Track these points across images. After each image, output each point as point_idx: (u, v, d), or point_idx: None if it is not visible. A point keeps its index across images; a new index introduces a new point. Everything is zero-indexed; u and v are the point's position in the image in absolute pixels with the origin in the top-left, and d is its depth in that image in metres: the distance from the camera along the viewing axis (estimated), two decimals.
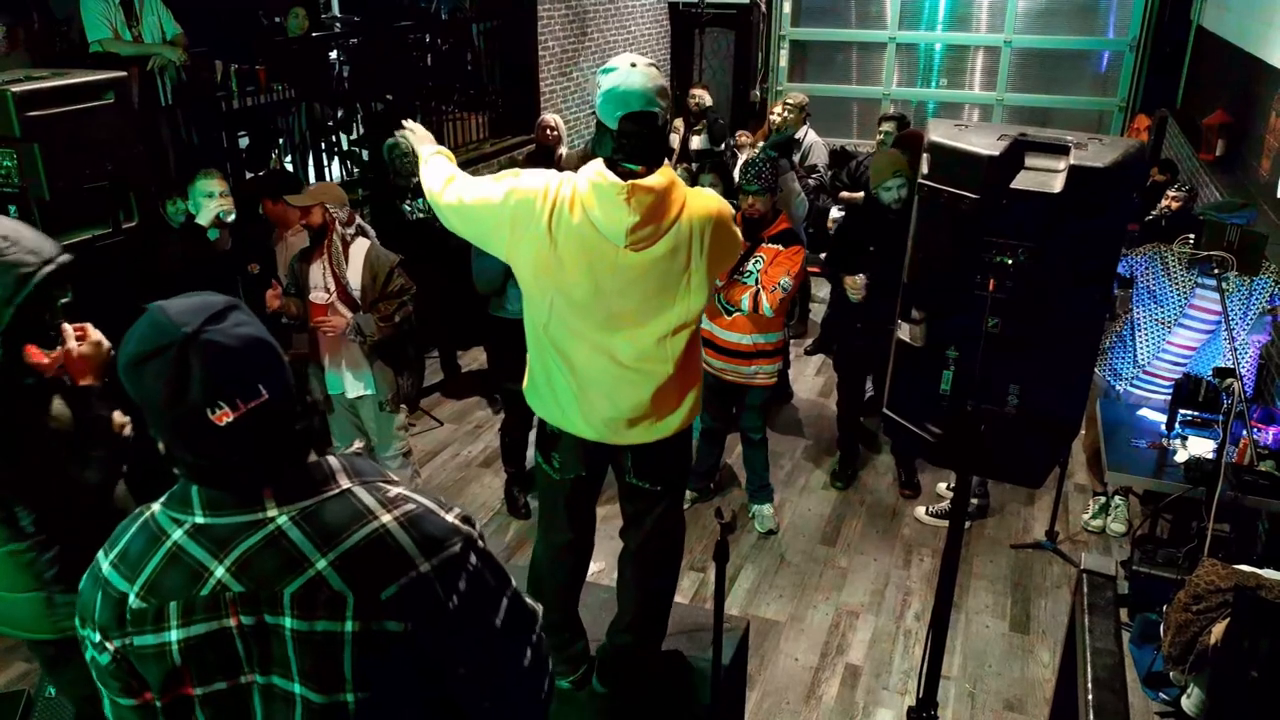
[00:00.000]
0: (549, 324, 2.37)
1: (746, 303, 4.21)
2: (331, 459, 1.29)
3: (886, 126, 6.26)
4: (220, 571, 1.21)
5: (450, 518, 1.30)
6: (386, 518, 1.23)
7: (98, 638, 1.26)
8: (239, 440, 1.18)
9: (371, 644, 1.21)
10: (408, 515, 1.25)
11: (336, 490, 1.25)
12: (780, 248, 4.27)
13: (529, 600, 1.42)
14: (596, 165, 2.26)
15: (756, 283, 4.23)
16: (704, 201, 2.33)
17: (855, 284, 4.47)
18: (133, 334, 1.20)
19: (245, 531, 1.21)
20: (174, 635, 1.22)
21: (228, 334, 1.19)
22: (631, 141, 2.21)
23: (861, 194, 6.07)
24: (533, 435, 2.81)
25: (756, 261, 4.26)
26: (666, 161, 2.31)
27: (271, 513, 1.22)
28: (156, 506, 1.28)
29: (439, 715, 1.35)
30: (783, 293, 4.19)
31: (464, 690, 1.33)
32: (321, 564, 1.19)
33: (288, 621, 1.20)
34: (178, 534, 1.24)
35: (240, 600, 1.20)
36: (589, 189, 2.24)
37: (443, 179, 2.42)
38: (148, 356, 1.17)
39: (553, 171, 2.36)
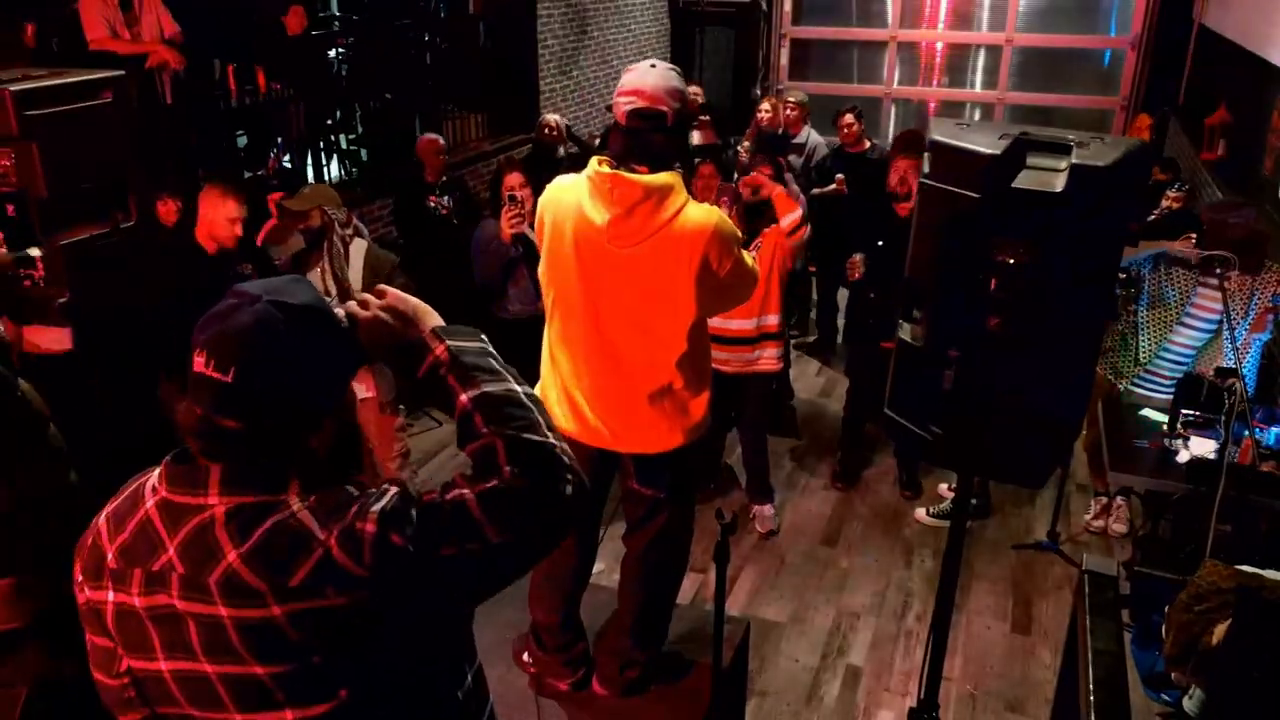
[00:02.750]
0: (554, 326, 2.41)
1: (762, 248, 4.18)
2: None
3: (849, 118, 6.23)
4: (172, 549, 1.24)
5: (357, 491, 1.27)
6: (296, 505, 1.23)
7: (80, 577, 1.32)
8: (204, 402, 1.22)
9: (307, 622, 1.20)
10: (315, 499, 1.24)
11: (278, 497, 1.24)
12: (776, 224, 4.20)
13: (486, 491, 1.25)
14: (598, 158, 2.29)
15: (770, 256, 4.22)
16: (701, 215, 2.27)
17: (855, 263, 4.52)
18: None
19: (191, 514, 1.24)
20: (137, 602, 1.26)
21: (261, 315, 1.22)
22: (632, 139, 2.23)
23: (832, 186, 6.05)
24: None
25: (757, 249, 4.23)
26: (675, 169, 2.27)
27: (211, 500, 1.23)
28: (156, 470, 1.31)
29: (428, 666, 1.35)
30: (798, 225, 4.10)
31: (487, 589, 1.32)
32: (233, 556, 1.21)
33: (222, 609, 1.21)
34: (150, 504, 1.28)
35: (181, 582, 1.23)
36: (585, 180, 2.29)
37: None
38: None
39: (557, 177, 2.41)
